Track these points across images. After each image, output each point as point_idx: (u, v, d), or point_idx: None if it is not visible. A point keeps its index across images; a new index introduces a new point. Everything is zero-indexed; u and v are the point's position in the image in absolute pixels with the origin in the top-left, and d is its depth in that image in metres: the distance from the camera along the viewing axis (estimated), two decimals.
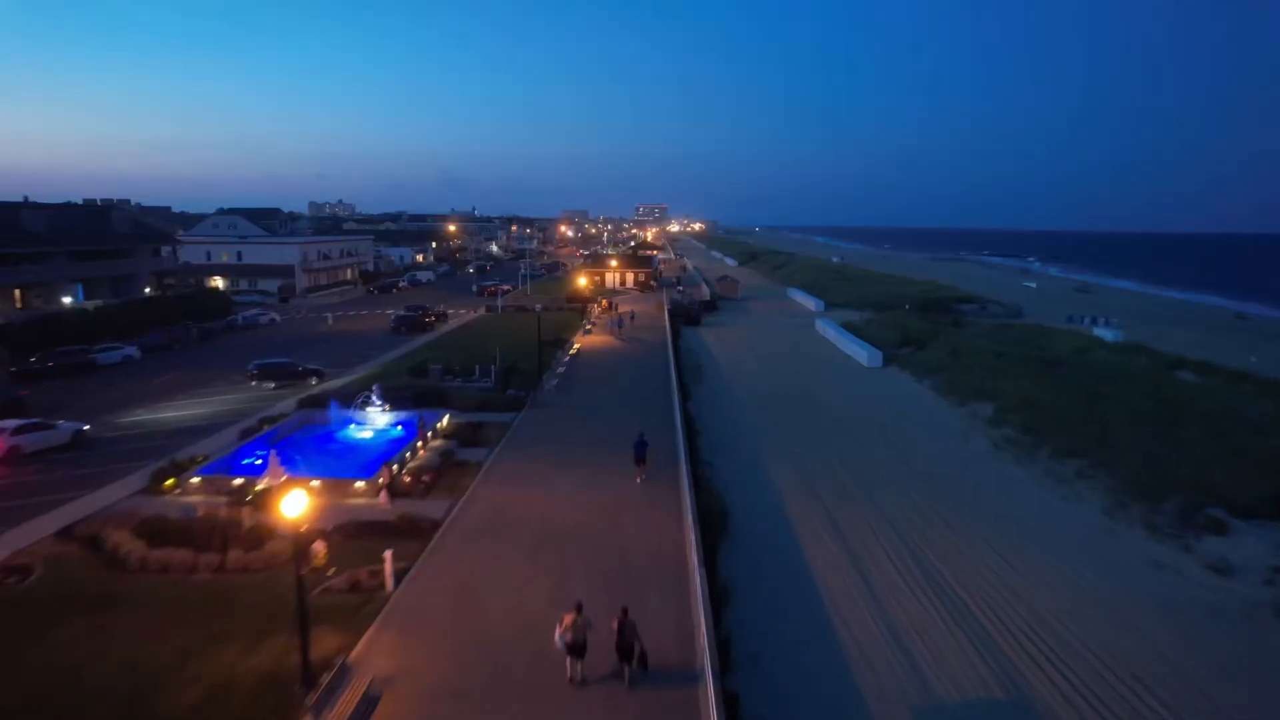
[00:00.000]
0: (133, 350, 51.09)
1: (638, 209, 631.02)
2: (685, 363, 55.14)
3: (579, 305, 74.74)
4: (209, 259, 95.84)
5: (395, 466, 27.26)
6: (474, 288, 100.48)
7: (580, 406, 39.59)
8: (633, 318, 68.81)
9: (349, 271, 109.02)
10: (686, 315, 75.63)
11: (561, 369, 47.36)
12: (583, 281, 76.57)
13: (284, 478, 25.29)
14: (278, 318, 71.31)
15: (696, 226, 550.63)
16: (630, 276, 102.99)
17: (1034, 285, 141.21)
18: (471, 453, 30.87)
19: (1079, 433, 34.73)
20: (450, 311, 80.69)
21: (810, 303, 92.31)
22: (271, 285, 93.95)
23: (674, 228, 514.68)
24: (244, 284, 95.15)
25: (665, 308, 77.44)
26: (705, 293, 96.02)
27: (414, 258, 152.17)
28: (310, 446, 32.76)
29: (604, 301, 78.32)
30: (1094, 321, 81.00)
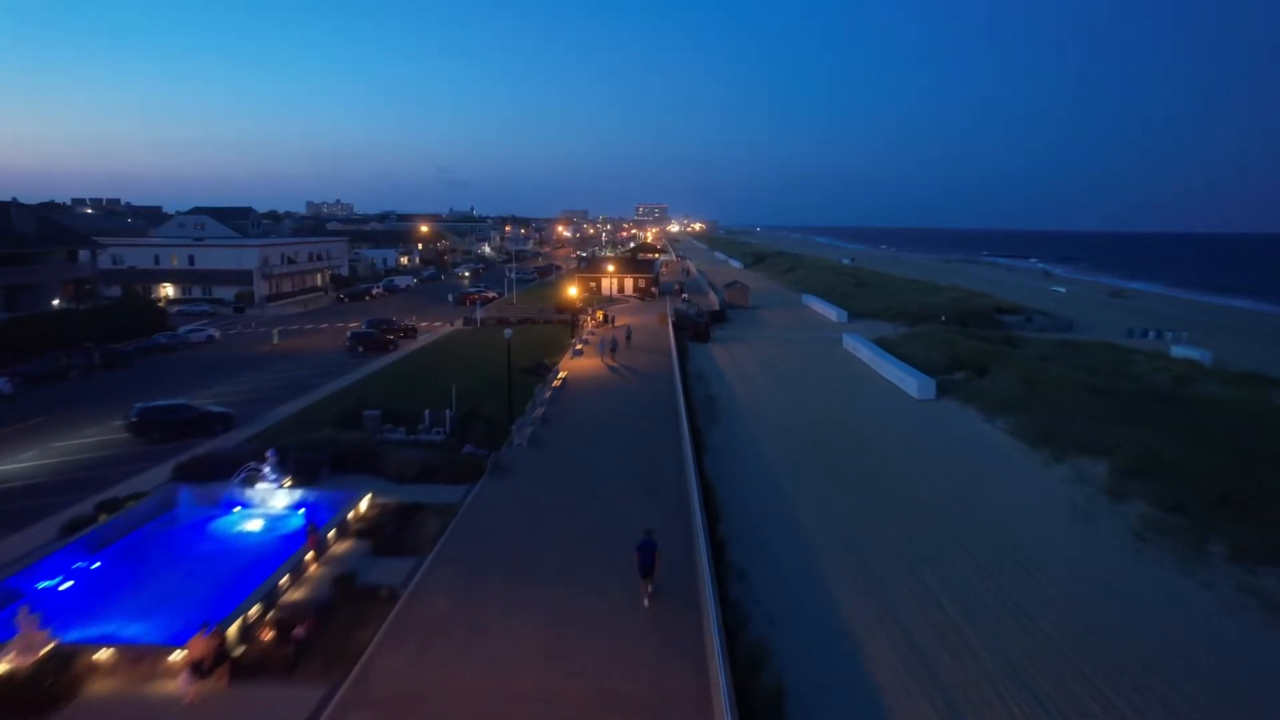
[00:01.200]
0: (1, 382, 40.81)
1: (637, 209, 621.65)
2: (696, 394, 45.07)
3: (570, 317, 64.68)
4: (157, 263, 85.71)
5: (250, 613, 17.11)
6: (450, 296, 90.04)
7: (560, 472, 29.41)
8: (629, 337, 58.66)
9: (319, 277, 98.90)
10: (694, 330, 65.54)
11: (540, 410, 37.15)
12: (574, 291, 66.18)
13: (46, 647, 15.21)
14: (217, 334, 61.11)
15: (697, 226, 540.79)
16: (629, 282, 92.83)
17: (1063, 290, 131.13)
18: (388, 568, 20.68)
19: (1262, 518, 24.62)
20: (423, 325, 70.62)
21: (831, 313, 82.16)
22: (229, 293, 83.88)
23: (674, 228, 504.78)
24: (198, 291, 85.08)
25: (669, 320, 67.33)
26: (713, 301, 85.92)
27: (397, 260, 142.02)
28: (167, 550, 22.67)
29: (599, 313, 68.20)
30: (1159, 335, 71.00)
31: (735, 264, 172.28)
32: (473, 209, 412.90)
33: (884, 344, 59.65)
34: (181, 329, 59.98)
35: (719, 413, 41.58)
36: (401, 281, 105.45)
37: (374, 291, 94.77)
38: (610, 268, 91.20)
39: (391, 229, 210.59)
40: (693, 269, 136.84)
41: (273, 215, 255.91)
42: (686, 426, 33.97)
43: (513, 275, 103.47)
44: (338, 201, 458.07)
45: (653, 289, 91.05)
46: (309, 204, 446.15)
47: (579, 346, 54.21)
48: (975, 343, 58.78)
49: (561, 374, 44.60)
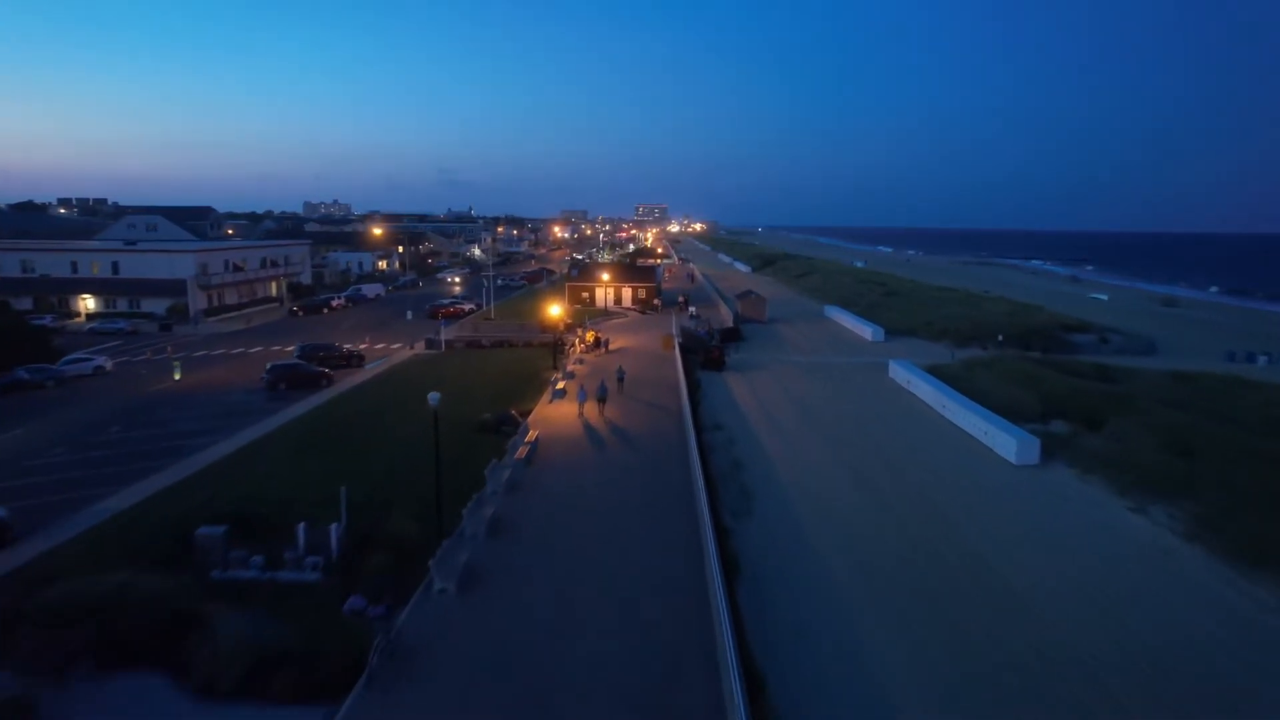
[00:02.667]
0: None
1: (637, 209, 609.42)
2: (716, 457, 32.95)
3: (554, 339, 52.53)
4: (75, 271, 73.54)
5: None
6: (405, 316, 77.45)
7: (505, 657, 17.17)
8: (622, 379, 43.25)
9: (274, 285, 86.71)
10: (705, 355, 53.38)
11: (489, 510, 24.82)
12: (556, 311, 53.14)
13: None
14: (108, 364, 48.85)
15: (697, 227, 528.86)
16: (627, 293, 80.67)
17: (1104, 298, 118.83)
18: None
19: None
20: (378, 347, 58.48)
21: (863, 329, 70.00)
22: (160, 305, 71.79)
23: (674, 228, 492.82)
24: (124, 304, 72.95)
25: (674, 342, 55.20)
26: (725, 315, 73.82)
27: (374, 265, 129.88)
28: None
29: (589, 334, 55.94)
30: (1271, 360, 58.90)
31: (741, 267, 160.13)
32: (471, 209, 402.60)
33: (944, 375, 47.59)
34: (65, 359, 47.73)
35: (752, 493, 29.44)
36: (370, 290, 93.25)
37: (334, 303, 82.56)
38: (605, 276, 79.04)
39: (341, 231, 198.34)
40: (697, 274, 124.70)
41: (252, 216, 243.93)
42: (712, 540, 21.72)
43: (498, 282, 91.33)
44: (335, 202, 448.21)
45: (654, 300, 78.88)
46: (306, 204, 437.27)
47: (560, 384, 41.93)
48: (1061, 376, 46.65)
49: (532, 434, 32.43)
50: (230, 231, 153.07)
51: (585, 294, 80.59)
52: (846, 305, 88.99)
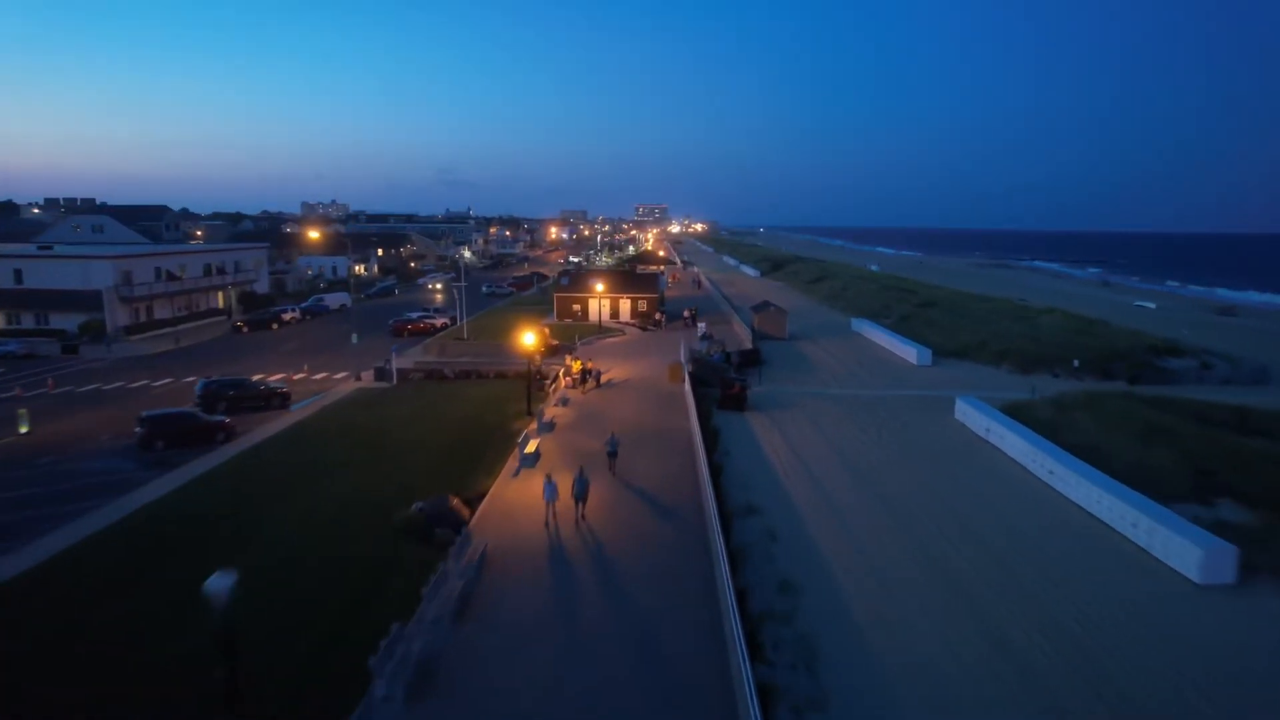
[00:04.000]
0: None
1: (637, 209, 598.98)
2: (756, 576, 21.87)
3: (533, 370, 41.47)
4: None
5: None
6: (353, 337, 65.97)
7: None
8: (614, 455, 29.48)
9: (220, 296, 75.66)
10: (724, 391, 42.18)
11: None
12: (529, 340, 40.90)
13: None
14: None
15: (698, 227, 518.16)
16: (625, 305, 69.67)
17: (1152, 306, 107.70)
18: None
19: None
20: (319, 378, 47.52)
21: (905, 350, 58.90)
22: (75, 321, 60.78)
23: (674, 228, 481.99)
24: (30, 320, 61.88)
25: (684, 374, 44.24)
26: (741, 333, 62.81)
27: (349, 270, 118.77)
28: None
29: (576, 363, 44.74)
30: None
31: (749, 271, 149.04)
32: (470, 209, 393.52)
33: (1032, 419, 36.64)
34: None
35: (815, 647, 18.34)
36: (334, 300, 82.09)
37: (286, 315, 71.44)
38: (599, 286, 67.91)
39: (362, 230, 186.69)
40: (703, 279, 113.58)
41: (231, 217, 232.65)
42: None
43: (483, 290, 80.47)
44: (333, 202, 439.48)
45: (657, 315, 67.76)
46: (303, 204, 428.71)
47: (532, 444, 30.79)
48: (1193, 424, 35.56)
49: (475, 549, 21.35)
50: (200, 233, 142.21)
51: (576, 306, 69.55)
52: (876, 318, 77.97)
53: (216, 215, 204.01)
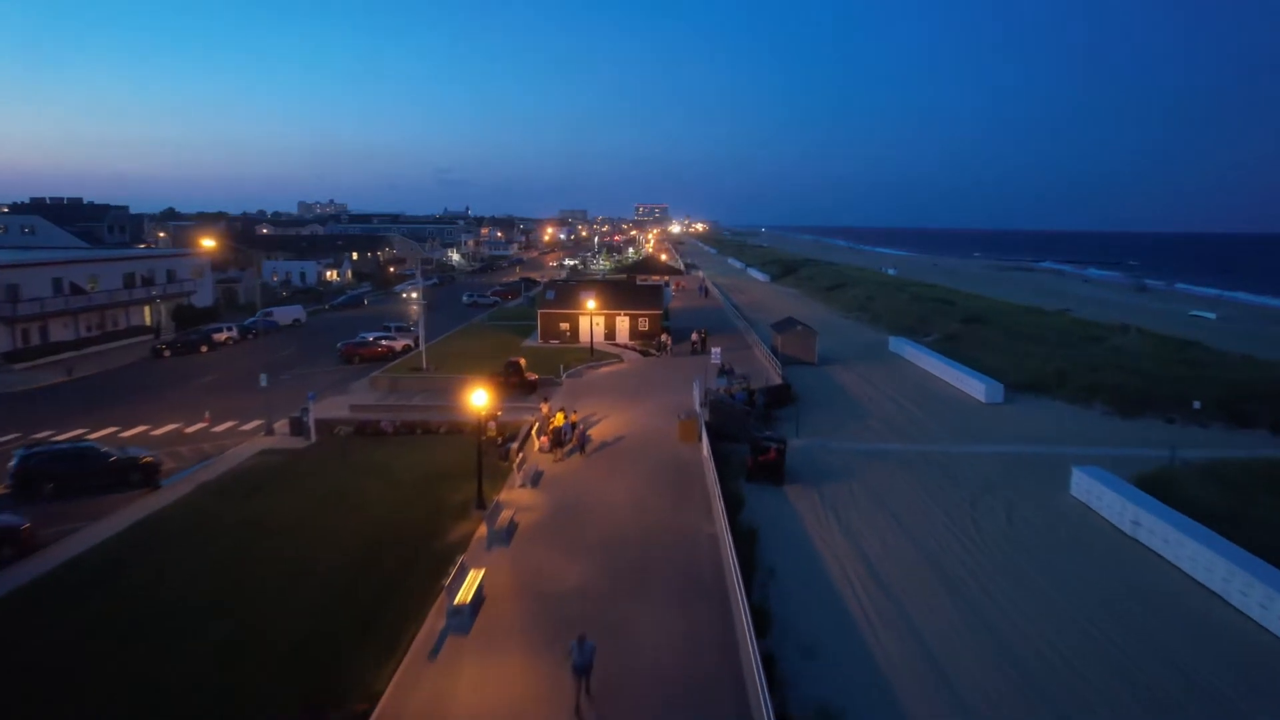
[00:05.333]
0: None
1: (637, 209, 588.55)
2: None
3: (486, 432, 30.30)
4: None
5: None
6: (284, 366, 54.60)
7: None
8: (584, 674, 15.20)
9: (146, 312, 64.33)
10: (756, 457, 30.68)
11: None
12: (480, 399, 24.89)
13: None
14: None
15: (699, 227, 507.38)
16: (623, 323, 58.33)
17: (1212, 317, 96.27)
18: None
19: None
20: (221, 430, 36.25)
21: (967, 382, 47.59)
22: None
23: (675, 228, 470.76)
24: None
25: (699, 430, 33.03)
26: (766, 363, 51.44)
27: (318, 275, 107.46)
28: None
29: (557, 416, 33.30)
30: None
31: (757, 275, 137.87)
32: (468, 209, 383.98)
33: (1190, 502, 25.60)
34: None
35: None
36: (285, 315, 70.64)
37: (220, 336, 59.98)
38: (591, 302, 56.44)
39: (345, 231, 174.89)
40: (711, 287, 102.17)
41: (208, 217, 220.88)
42: None
43: (464, 300, 69.07)
44: (331, 201, 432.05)
45: (663, 336, 56.31)
46: (301, 204, 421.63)
47: (470, 583, 19.37)
48: None
49: None
50: (163, 235, 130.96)
51: (564, 325, 58.19)
52: (913, 334, 66.76)
53: (169, 214, 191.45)
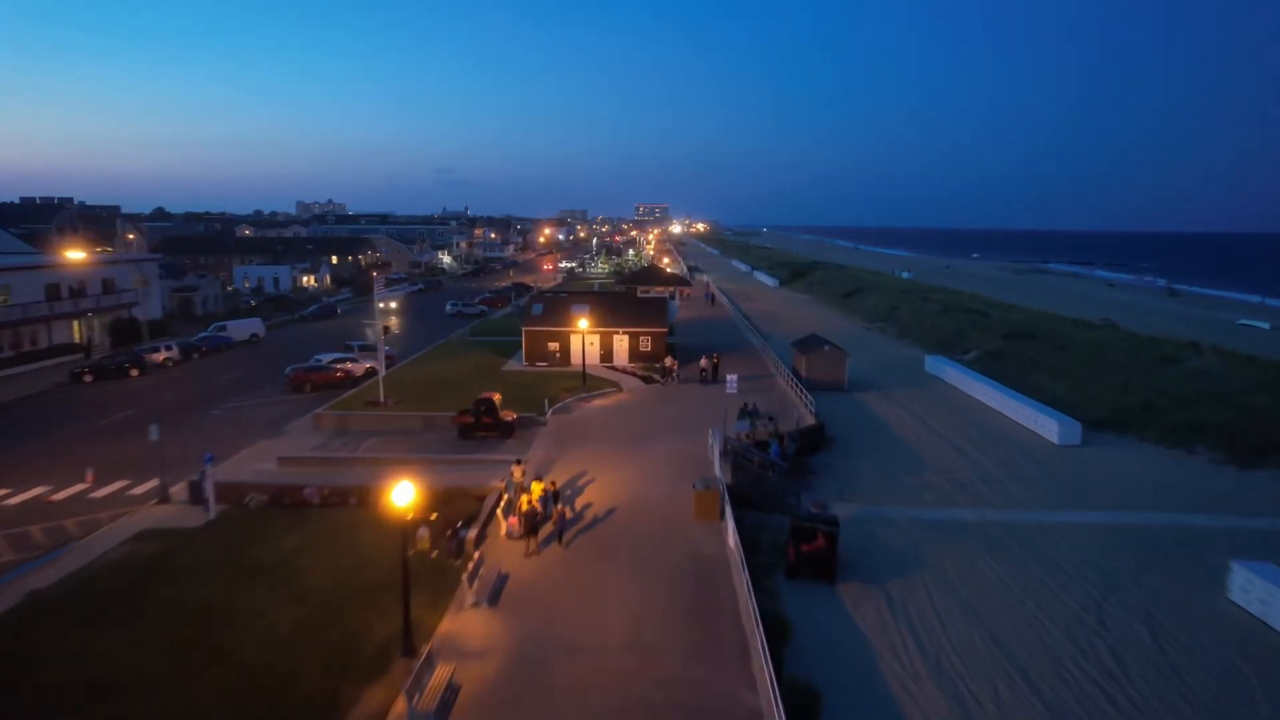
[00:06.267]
0: None
1: (637, 209, 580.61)
2: None
3: (409, 563, 22.23)
4: None
5: None
6: (223, 399, 46.41)
7: None
8: None
9: (76, 326, 56.20)
10: (799, 544, 22.67)
11: None
12: (404, 495, 16.17)
13: None
14: None
15: (700, 227, 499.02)
16: (622, 343, 50.23)
17: (1266, 326, 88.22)
18: None
19: None
20: (104, 494, 28.15)
21: (1031, 415, 39.49)
22: None
23: (676, 228, 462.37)
24: None
25: (720, 496, 25.02)
26: (796, 397, 43.20)
27: (292, 280, 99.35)
28: None
29: (534, 489, 25.18)
30: None
31: (765, 279, 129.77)
32: (466, 209, 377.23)
33: None
34: None
35: None
36: (240, 330, 62.41)
37: (159, 356, 51.82)
38: (583, 320, 48.21)
39: (329, 233, 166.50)
40: (718, 294, 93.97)
41: (194, 217, 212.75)
42: None
43: (448, 309, 60.49)
44: (329, 201, 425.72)
45: (668, 359, 48.09)
46: (299, 203, 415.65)
47: None
48: None
49: None
50: (132, 237, 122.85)
51: (553, 345, 50.02)
52: (950, 351, 58.82)
53: (159, 214, 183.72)
